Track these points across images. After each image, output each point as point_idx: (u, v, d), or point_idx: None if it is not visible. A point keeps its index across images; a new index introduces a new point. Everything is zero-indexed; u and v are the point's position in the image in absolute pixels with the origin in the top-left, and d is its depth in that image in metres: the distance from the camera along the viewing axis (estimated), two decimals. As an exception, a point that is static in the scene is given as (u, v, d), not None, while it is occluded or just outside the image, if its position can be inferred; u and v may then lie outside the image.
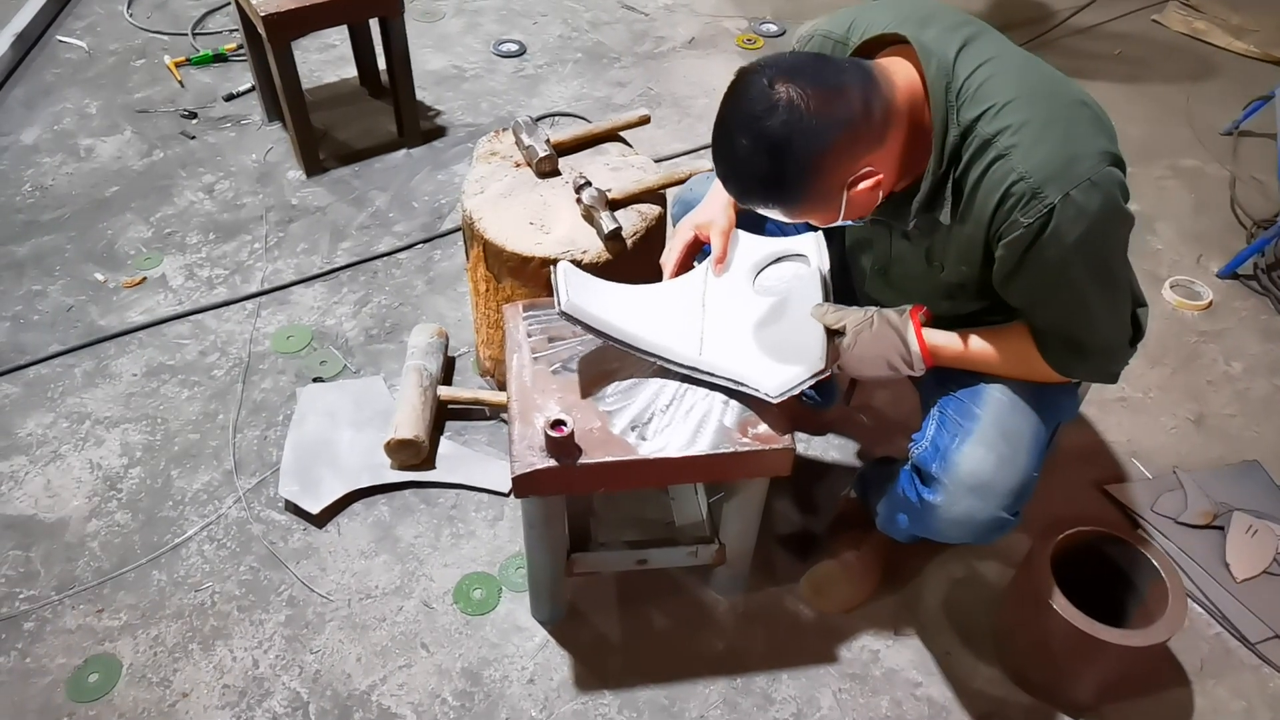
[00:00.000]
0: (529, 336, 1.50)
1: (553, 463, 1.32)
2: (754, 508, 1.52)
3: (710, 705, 1.57)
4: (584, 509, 1.69)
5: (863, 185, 1.18)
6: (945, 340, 1.38)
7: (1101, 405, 2.08)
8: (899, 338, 1.33)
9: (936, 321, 1.39)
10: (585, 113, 2.86)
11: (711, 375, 1.39)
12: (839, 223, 1.26)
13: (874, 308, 1.38)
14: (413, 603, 1.69)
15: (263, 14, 2.24)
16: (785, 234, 1.60)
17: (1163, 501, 1.87)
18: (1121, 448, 1.99)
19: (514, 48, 3.15)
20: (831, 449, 1.98)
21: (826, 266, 1.48)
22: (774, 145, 1.12)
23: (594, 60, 3.12)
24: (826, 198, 1.19)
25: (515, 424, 1.38)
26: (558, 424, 1.30)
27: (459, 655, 1.62)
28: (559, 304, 1.35)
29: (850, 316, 1.36)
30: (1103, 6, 3.47)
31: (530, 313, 1.55)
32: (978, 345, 1.37)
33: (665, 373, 1.42)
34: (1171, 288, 2.36)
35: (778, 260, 1.54)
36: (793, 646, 1.65)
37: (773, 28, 3.31)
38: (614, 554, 1.59)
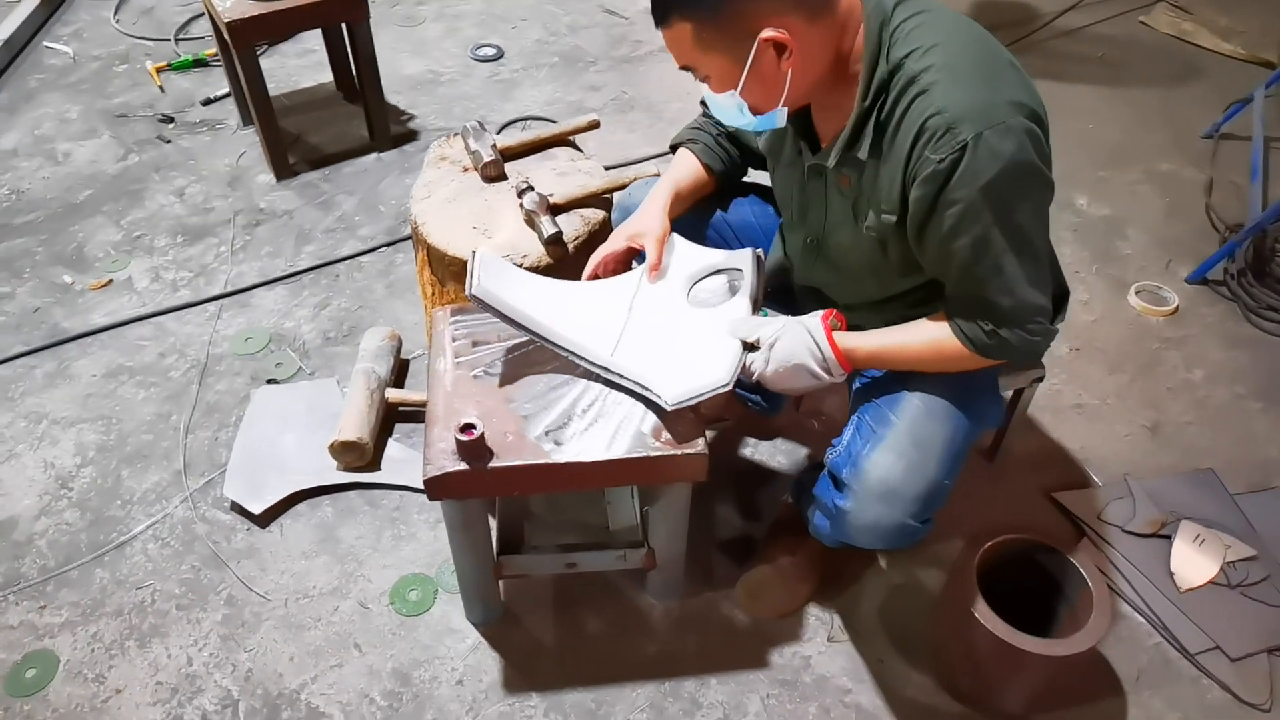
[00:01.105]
0: (454, 340, 1.52)
1: (463, 466, 1.32)
2: (679, 512, 1.52)
3: (637, 709, 1.57)
4: (519, 512, 1.70)
5: (774, 43, 1.16)
6: (859, 340, 1.37)
7: (1056, 412, 2.06)
8: (813, 344, 1.33)
9: (867, 307, 1.40)
10: (557, 117, 2.87)
11: (619, 376, 1.40)
12: (735, 98, 1.23)
13: (788, 318, 1.38)
14: (349, 603, 1.70)
15: (226, 20, 2.27)
16: (729, 246, 1.61)
17: (1110, 510, 1.85)
18: (1074, 455, 1.98)
19: (491, 52, 3.17)
20: (778, 454, 1.97)
21: (759, 283, 1.48)
22: None
23: (570, 64, 3.13)
24: (736, 34, 1.16)
25: (432, 427, 1.39)
26: (467, 427, 1.31)
27: (390, 656, 1.63)
28: (469, 289, 1.37)
29: (763, 330, 1.36)
30: (1090, 8, 3.44)
31: (458, 317, 1.56)
32: (893, 339, 1.37)
33: (589, 375, 1.43)
34: (1137, 293, 2.33)
35: (715, 273, 1.54)
36: (725, 652, 1.65)
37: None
38: (543, 557, 1.60)
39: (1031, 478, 1.92)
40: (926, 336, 1.35)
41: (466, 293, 1.37)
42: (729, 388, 1.32)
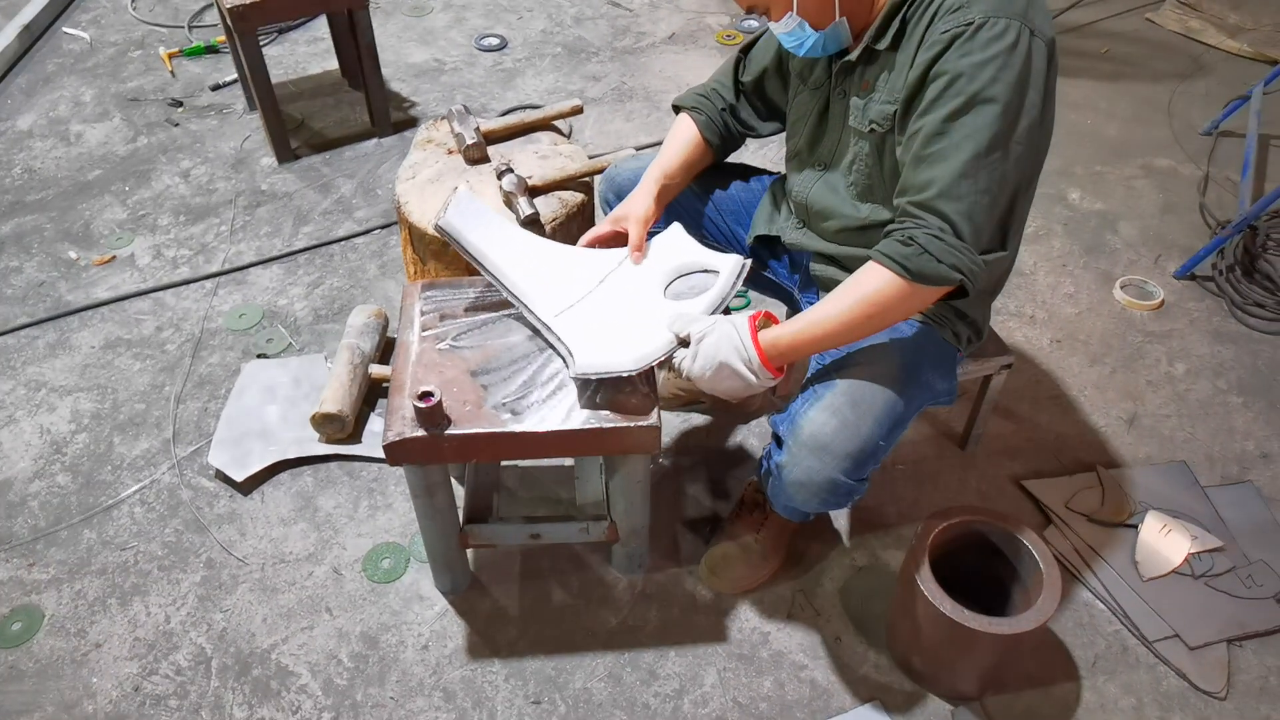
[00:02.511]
0: (422, 314, 1.56)
1: (421, 432, 1.37)
2: (636, 485, 1.55)
3: (595, 677, 1.61)
4: (491, 484, 1.75)
5: None
6: (780, 330, 1.34)
7: (1034, 402, 2.07)
8: (738, 340, 1.31)
9: (853, 257, 1.41)
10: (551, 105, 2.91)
11: (556, 338, 1.45)
12: (794, 18, 1.30)
13: (718, 316, 1.39)
14: (323, 569, 1.75)
15: (229, 6, 2.34)
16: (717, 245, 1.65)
17: (1079, 498, 1.86)
18: (1047, 444, 1.98)
19: (495, 42, 3.22)
20: (752, 437, 2.00)
21: (732, 291, 1.47)
22: None
23: (573, 55, 3.17)
24: None
25: (395, 396, 1.43)
26: (426, 395, 1.35)
27: (360, 620, 1.68)
28: (437, 219, 1.44)
29: (694, 326, 1.36)
30: (1097, 5, 3.42)
31: (428, 292, 1.61)
32: (815, 311, 1.31)
33: (550, 349, 1.47)
34: (1122, 287, 2.33)
35: (698, 272, 1.55)
36: (685, 625, 1.68)
37: (754, 24, 3.33)
38: (508, 527, 1.64)
39: (1003, 465, 1.94)
40: (852, 289, 1.29)
41: (433, 224, 1.42)
42: (630, 374, 1.37)
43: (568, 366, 1.43)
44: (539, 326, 1.46)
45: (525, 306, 1.47)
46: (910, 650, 1.60)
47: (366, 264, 2.39)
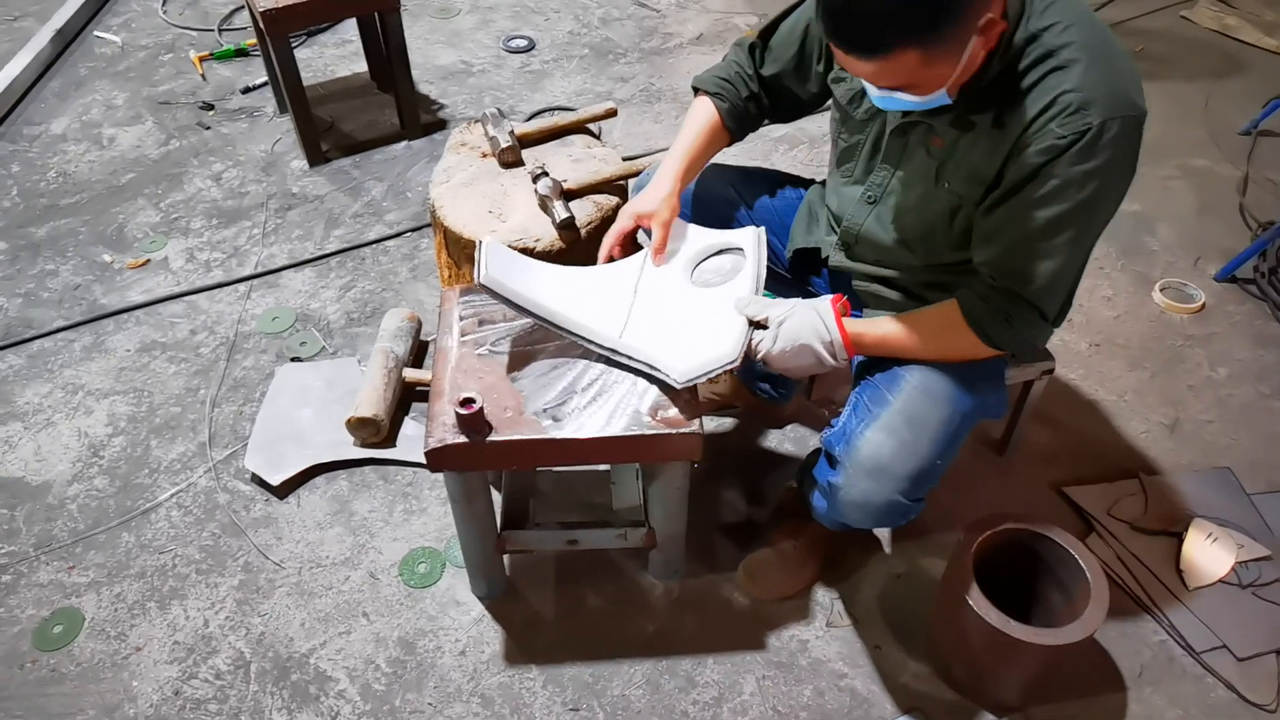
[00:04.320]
0: (461, 319, 1.55)
1: (463, 439, 1.36)
2: (676, 491, 1.54)
3: (633, 684, 1.60)
4: (527, 489, 1.74)
5: (985, 30, 1.11)
6: (866, 327, 1.39)
7: (1072, 407, 2.04)
8: (821, 325, 1.35)
9: (898, 279, 1.44)
10: (583, 107, 2.90)
11: (629, 358, 1.43)
12: (933, 97, 1.19)
13: (797, 299, 1.40)
14: (359, 573, 1.76)
15: (261, 9, 2.34)
16: (729, 227, 1.63)
17: (1121, 506, 1.83)
18: (1088, 450, 1.96)
19: (523, 43, 3.21)
20: (787, 441, 1.98)
21: (763, 262, 1.49)
22: None
23: (600, 56, 3.16)
24: (960, 37, 1.11)
25: (435, 402, 1.43)
26: (467, 402, 1.35)
27: (397, 625, 1.68)
28: (477, 277, 1.39)
29: (772, 309, 1.38)
30: (1131, 2, 3.38)
31: (466, 297, 1.60)
32: (899, 326, 1.38)
33: (589, 355, 1.46)
34: (1162, 290, 2.30)
35: (717, 253, 1.56)
36: (723, 632, 1.67)
37: (782, 24, 3.30)
38: (545, 533, 1.64)
39: (1042, 471, 1.91)
40: (933, 325, 1.36)
41: (475, 281, 1.39)
42: (737, 364, 1.34)
43: (662, 382, 1.40)
44: (605, 354, 1.43)
45: (585, 340, 1.43)
46: (952, 659, 1.58)
47: (398, 267, 2.39)
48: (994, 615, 1.41)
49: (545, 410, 1.40)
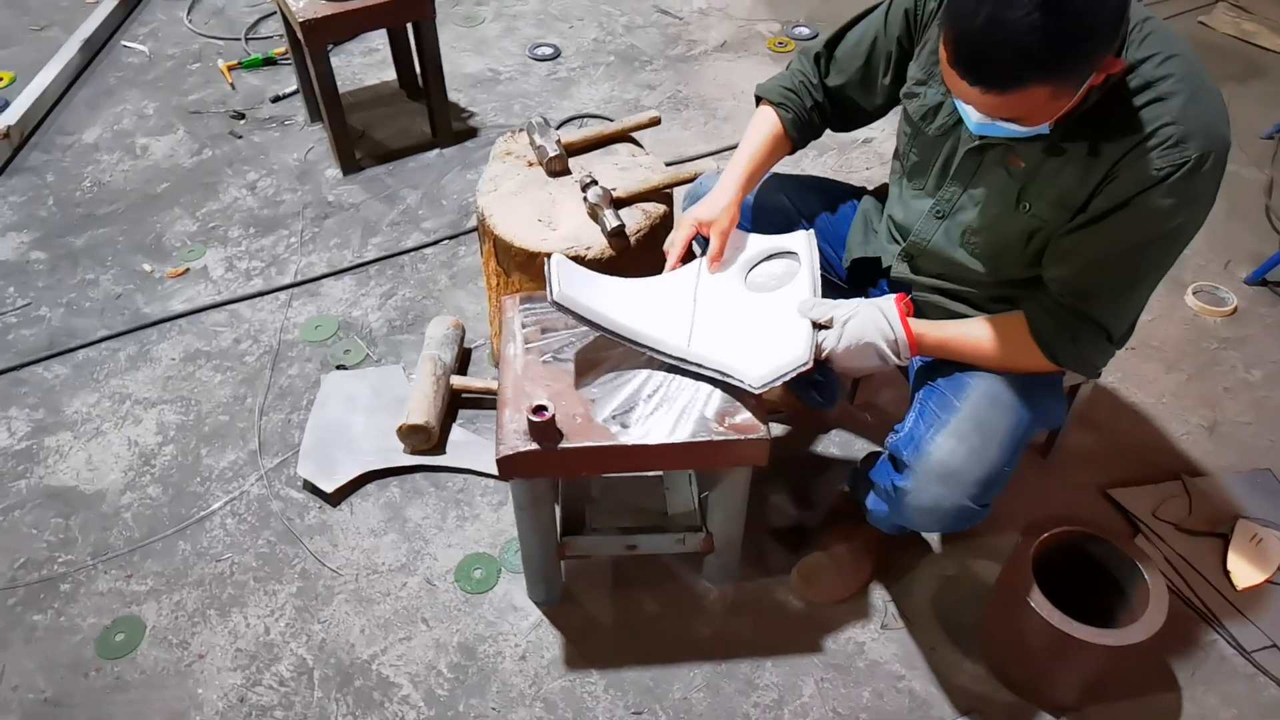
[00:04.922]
0: (524, 327, 1.57)
1: (534, 446, 1.38)
2: (738, 497, 1.56)
3: (693, 688, 1.62)
4: (581, 495, 1.76)
5: (1106, 68, 1.13)
6: (929, 328, 1.41)
7: (1112, 410, 2.06)
8: (885, 324, 1.37)
9: (961, 291, 1.46)
10: (613, 115, 2.92)
11: (699, 366, 1.45)
12: (1040, 126, 1.19)
13: (860, 299, 1.42)
14: (416, 579, 1.77)
15: (300, 19, 2.36)
16: (780, 232, 1.65)
17: (1166, 507, 1.86)
18: (1130, 453, 1.98)
19: (549, 51, 3.23)
20: (832, 446, 2.00)
21: (817, 264, 1.52)
22: (1068, 9, 1.05)
23: (626, 63, 3.18)
24: (1085, 74, 1.12)
25: (504, 410, 1.45)
26: (539, 409, 1.36)
27: (456, 631, 1.69)
28: (550, 295, 1.41)
29: (837, 310, 1.41)
30: (1149, 8, 3.40)
31: (527, 305, 1.62)
32: (963, 331, 1.41)
33: (652, 363, 1.48)
34: (1194, 294, 2.33)
35: (770, 257, 1.59)
36: (779, 635, 1.69)
37: (805, 31, 3.33)
38: (605, 539, 1.65)
39: (1086, 474, 1.93)
40: (997, 334, 1.38)
41: (549, 299, 1.40)
42: (810, 365, 1.36)
43: (730, 389, 1.42)
44: (675, 363, 1.45)
45: (656, 351, 1.45)
46: (1009, 660, 1.60)
47: (437, 274, 2.40)
48: (1056, 616, 1.43)
49: (614, 417, 1.42)
